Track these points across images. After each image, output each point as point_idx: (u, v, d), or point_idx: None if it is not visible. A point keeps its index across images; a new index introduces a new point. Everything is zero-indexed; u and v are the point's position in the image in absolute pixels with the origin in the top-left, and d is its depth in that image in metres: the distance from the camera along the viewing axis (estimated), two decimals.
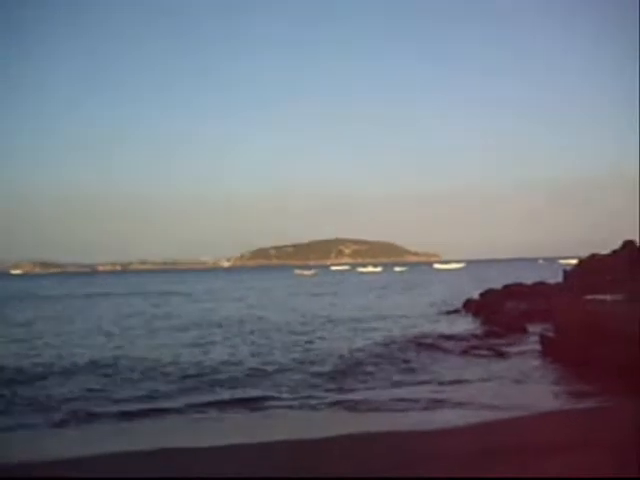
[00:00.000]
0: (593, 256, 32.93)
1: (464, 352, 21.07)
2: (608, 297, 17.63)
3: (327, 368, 18.72)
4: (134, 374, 18.39)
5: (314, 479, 8.33)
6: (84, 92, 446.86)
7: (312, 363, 19.79)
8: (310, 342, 25.11)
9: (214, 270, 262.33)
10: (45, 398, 15.27)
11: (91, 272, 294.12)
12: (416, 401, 13.94)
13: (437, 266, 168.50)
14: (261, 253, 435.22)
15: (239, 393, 15.52)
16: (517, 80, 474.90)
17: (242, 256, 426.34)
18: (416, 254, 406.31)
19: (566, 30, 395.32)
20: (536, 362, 18.42)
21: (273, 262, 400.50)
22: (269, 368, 18.98)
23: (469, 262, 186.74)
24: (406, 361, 19.61)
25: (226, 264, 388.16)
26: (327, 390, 15.69)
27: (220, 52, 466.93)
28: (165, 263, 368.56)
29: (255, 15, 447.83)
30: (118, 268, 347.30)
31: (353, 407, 13.75)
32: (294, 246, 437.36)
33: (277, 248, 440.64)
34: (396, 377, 17.29)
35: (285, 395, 15.24)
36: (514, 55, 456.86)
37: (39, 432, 12.34)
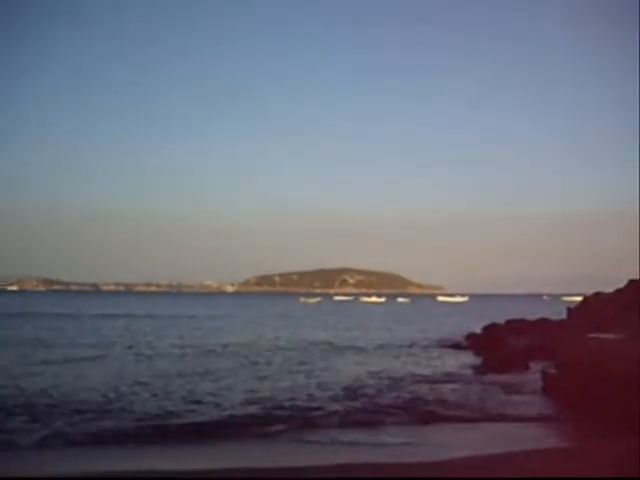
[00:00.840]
0: (597, 294, 32.84)
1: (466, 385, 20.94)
2: (611, 335, 17.46)
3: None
4: None
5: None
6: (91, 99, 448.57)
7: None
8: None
9: (218, 295, 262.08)
10: None
11: (95, 291, 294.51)
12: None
13: (441, 299, 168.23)
14: (266, 279, 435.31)
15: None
16: (515, 113, 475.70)
17: (247, 282, 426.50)
18: (420, 286, 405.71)
19: (557, 58, 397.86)
20: (537, 398, 18.27)
21: (277, 289, 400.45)
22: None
23: (473, 296, 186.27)
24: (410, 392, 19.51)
25: (230, 289, 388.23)
26: None
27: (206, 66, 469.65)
28: (170, 286, 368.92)
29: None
30: (122, 288, 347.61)
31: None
32: (299, 273, 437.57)
33: (282, 275, 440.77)
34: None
35: None
36: (514, 78, 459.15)
37: None
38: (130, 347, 33.88)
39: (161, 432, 13.86)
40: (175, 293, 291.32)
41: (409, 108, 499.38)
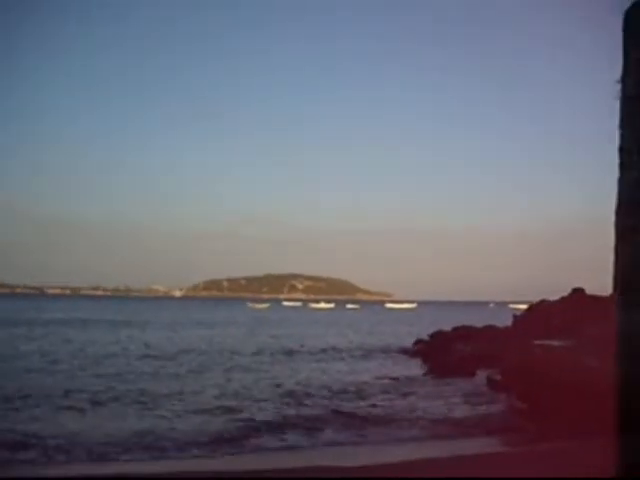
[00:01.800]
0: (542, 302, 33.26)
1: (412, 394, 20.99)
2: (556, 342, 17.67)
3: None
4: None
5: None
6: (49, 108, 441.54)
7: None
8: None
9: (166, 299, 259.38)
10: None
11: (39, 294, 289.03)
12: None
13: (389, 305, 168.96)
14: (214, 284, 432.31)
15: None
16: (475, 122, 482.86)
17: (195, 286, 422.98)
18: (369, 293, 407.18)
19: (524, 66, 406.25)
20: (481, 405, 18.40)
21: (226, 294, 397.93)
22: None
23: (421, 303, 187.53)
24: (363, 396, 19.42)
25: (178, 294, 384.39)
26: None
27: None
28: (117, 290, 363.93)
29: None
30: (68, 292, 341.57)
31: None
32: (247, 278, 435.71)
33: (230, 280, 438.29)
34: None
35: None
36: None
37: None
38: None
39: None
40: (122, 297, 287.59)
41: (363, 117, 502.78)
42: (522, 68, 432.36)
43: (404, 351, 36.49)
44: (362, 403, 18.61)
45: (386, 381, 23.84)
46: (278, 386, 21.88)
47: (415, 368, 28.55)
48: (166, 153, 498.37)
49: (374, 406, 18.15)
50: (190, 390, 20.92)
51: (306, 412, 17.13)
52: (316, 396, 19.83)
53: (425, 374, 25.76)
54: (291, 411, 17.34)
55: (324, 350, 36.65)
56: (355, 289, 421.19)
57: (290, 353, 34.82)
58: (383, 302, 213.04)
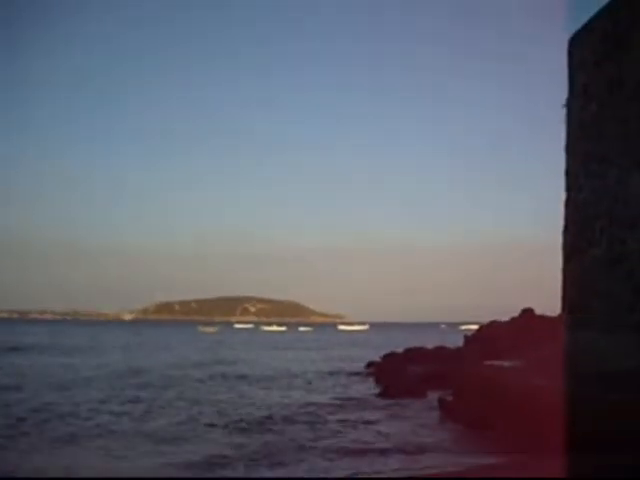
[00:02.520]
0: (493, 322, 33.74)
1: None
2: (506, 363, 17.87)
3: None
4: None
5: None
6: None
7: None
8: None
9: (116, 323, 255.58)
10: None
11: None
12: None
13: (342, 327, 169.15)
14: (165, 307, 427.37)
15: None
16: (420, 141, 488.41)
17: (145, 310, 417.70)
18: (321, 315, 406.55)
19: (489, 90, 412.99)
20: (433, 425, 18.48)
21: (177, 317, 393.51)
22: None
23: (373, 324, 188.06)
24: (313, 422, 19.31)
25: (128, 317, 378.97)
26: None
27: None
28: (65, 313, 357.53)
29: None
30: (15, 315, 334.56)
31: None
32: (199, 301, 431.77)
33: (182, 303, 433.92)
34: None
35: None
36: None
37: None
38: None
39: None
40: (70, 321, 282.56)
41: (315, 136, 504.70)
42: (473, 90, 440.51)
43: (356, 373, 36.50)
44: (313, 429, 18.40)
45: (337, 403, 23.78)
46: (223, 414, 21.41)
47: (367, 390, 28.55)
48: (113, 173, 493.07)
49: (326, 432, 17.98)
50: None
51: (252, 442, 16.69)
52: (265, 423, 19.50)
53: (377, 396, 25.78)
54: (239, 440, 17.02)
55: (272, 374, 36.39)
56: (307, 311, 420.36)
57: (236, 377, 34.42)
58: (335, 324, 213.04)
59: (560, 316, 20.03)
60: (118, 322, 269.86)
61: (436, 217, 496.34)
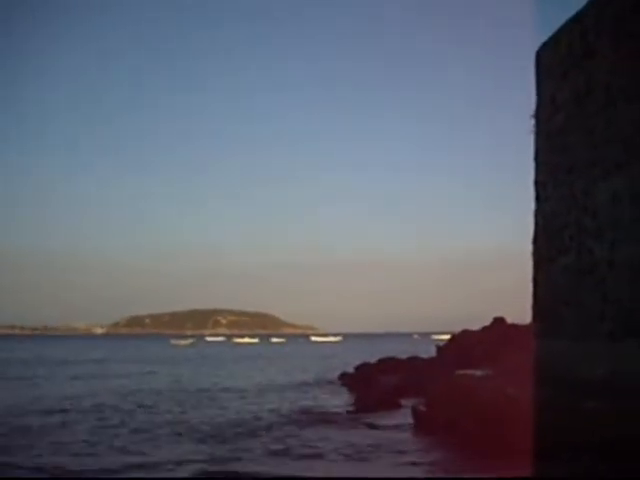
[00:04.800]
0: (465, 332, 33.89)
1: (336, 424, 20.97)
2: (478, 372, 17.96)
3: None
4: None
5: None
6: None
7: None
8: None
9: (87, 337, 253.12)
10: None
11: None
12: None
13: (315, 339, 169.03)
14: (136, 321, 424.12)
15: None
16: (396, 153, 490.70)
17: (116, 323, 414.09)
18: (294, 326, 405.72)
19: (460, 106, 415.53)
20: (407, 435, 18.49)
21: (148, 331, 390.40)
22: None
23: (346, 335, 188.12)
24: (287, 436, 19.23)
25: (99, 331, 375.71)
26: None
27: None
28: (35, 328, 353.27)
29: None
30: None
31: None
32: (170, 314, 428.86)
33: (153, 316, 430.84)
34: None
35: None
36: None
37: None
38: None
39: None
40: (41, 336, 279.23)
41: (271, 152, 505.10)
42: (438, 101, 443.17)
43: (329, 384, 36.47)
44: (282, 442, 18.30)
45: (309, 414, 23.68)
46: (193, 428, 21.23)
47: (340, 401, 28.53)
48: (81, 188, 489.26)
49: (295, 443, 17.91)
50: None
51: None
52: (241, 434, 19.43)
53: (350, 406, 25.76)
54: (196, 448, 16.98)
55: (244, 386, 36.23)
56: (280, 323, 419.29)
57: (203, 390, 34.17)
58: (308, 335, 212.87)
59: (531, 325, 20.20)
60: (89, 336, 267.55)
61: (407, 230, 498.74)
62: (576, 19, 18.33)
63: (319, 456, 15.87)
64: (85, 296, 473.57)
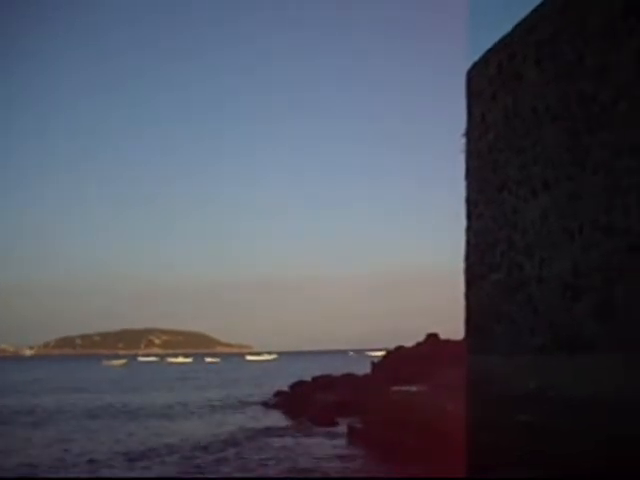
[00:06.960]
0: (399, 348, 34.15)
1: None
2: (413, 388, 18.12)
3: None
4: None
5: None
6: None
7: None
8: None
9: (15, 359, 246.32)
10: None
11: None
12: None
13: (249, 357, 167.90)
14: (67, 341, 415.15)
15: None
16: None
17: (46, 344, 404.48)
18: (228, 345, 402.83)
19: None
20: (343, 452, 18.47)
21: (79, 351, 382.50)
22: None
23: (282, 354, 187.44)
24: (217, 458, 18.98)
25: (28, 352, 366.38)
26: None
27: None
28: None
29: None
30: None
31: None
32: (101, 334, 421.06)
33: (83, 336, 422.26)
34: None
35: None
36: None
37: None
38: None
39: None
40: None
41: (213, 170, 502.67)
42: (376, 120, 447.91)
43: (264, 403, 36.20)
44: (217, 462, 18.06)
45: (243, 434, 23.39)
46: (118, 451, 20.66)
47: (275, 420, 28.35)
48: (13, 208, 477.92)
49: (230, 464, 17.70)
50: None
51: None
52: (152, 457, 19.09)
53: (285, 425, 25.65)
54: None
55: (171, 406, 35.71)
56: (214, 342, 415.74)
57: (133, 411, 33.54)
58: (242, 354, 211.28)
59: (464, 340, 20.48)
60: (18, 358, 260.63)
61: (341, 248, 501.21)
62: (505, 42, 18.83)
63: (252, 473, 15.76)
64: (13, 317, 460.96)
